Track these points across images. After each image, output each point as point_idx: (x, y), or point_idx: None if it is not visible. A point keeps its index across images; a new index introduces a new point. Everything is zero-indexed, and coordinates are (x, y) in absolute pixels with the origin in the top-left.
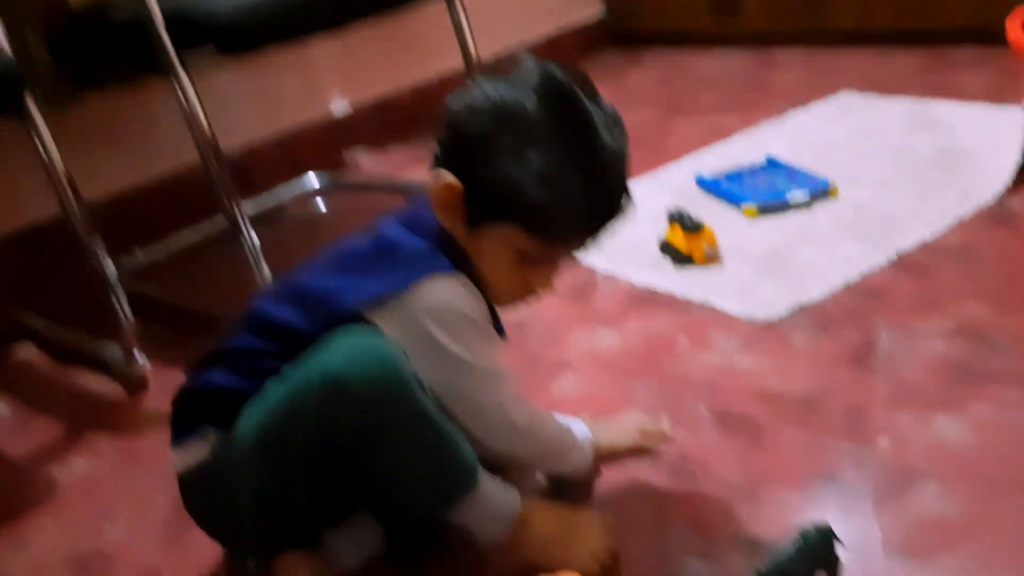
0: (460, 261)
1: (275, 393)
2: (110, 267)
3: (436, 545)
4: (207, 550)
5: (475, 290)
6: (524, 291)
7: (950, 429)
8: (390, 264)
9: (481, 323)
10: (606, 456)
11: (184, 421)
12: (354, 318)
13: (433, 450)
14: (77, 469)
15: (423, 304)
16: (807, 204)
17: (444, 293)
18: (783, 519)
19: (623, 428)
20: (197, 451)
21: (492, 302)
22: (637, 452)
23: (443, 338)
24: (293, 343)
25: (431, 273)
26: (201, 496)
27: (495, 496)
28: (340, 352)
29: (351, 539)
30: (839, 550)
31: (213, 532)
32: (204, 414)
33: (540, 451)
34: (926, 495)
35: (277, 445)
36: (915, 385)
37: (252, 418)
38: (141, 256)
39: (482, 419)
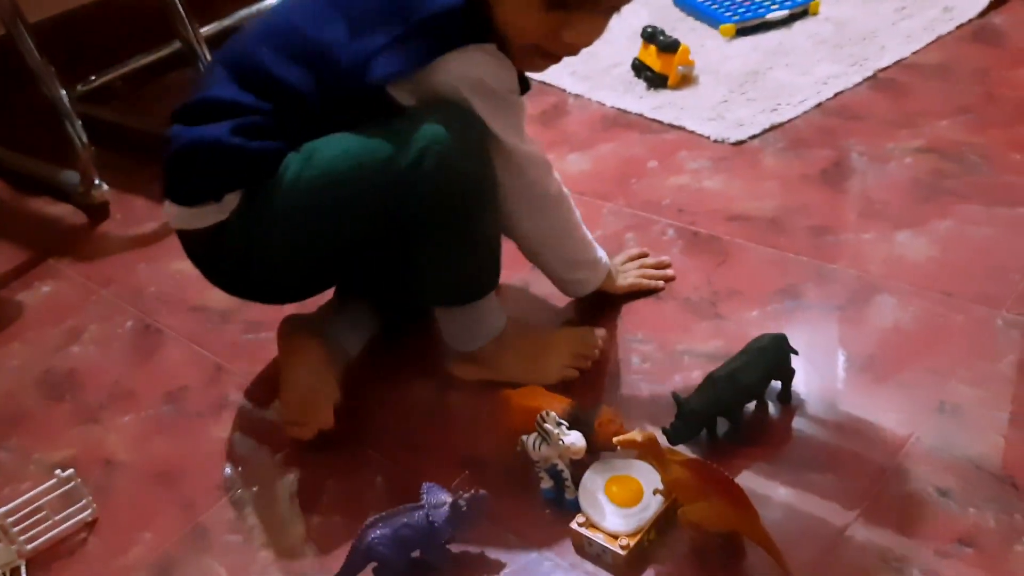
0: (485, 24)
1: (354, 146)
2: (62, 93)
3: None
4: (175, 366)
5: (504, 58)
6: (554, 45)
7: (911, 245)
8: (415, 27)
9: (513, 95)
10: (611, 289)
11: (190, 180)
12: (372, 91)
13: (484, 250)
14: (42, 294)
15: (455, 78)
16: (786, 22)
17: (476, 67)
18: (743, 333)
19: (624, 268)
20: (213, 213)
21: (518, 67)
22: (639, 289)
23: (480, 112)
24: (291, 106)
25: (460, 45)
26: (214, 251)
27: (491, 308)
28: (452, 135)
29: (352, 323)
30: (793, 360)
31: (223, 284)
32: (220, 175)
33: (565, 231)
34: (885, 309)
35: (340, 198)
36: (880, 203)
37: (316, 166)
38: (96, 81)
39: (517, 192)
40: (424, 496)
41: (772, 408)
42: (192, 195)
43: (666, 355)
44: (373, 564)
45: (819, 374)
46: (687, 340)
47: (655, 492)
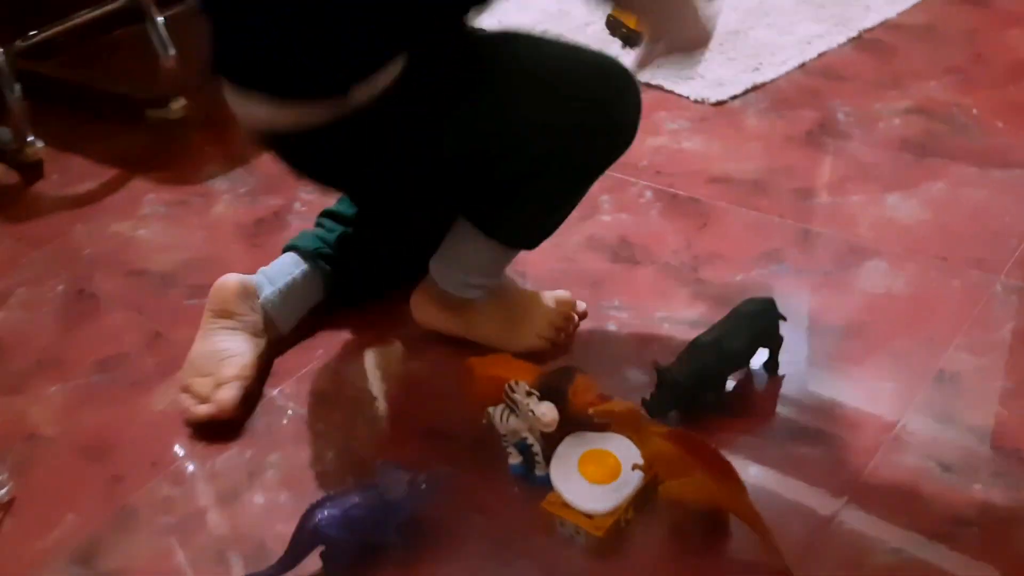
0: None
1: (569, 52)
2: None
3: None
4: (109, 333)
5: None
6: None
7: (902, 208)
8: None
9: None
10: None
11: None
12: None
13: (574, 205)
14: None
15: None
16: None
17: None
18: (726, 299)
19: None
20: (317, 111)
21: None
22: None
23: None
24: None
25: None
26: (321, 150)
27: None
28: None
29: (286, 296)
30: (782, 327)
31: (326, 181)
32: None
33: None
34: (875, 275)
35: (557, 95)
36: (868, 164)
37: (536, 59)
38: (37, 36)
39: None
40: (379, 476)
41: (758, 378)
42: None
43: (644, 322)
44: (321, 548)
45: (807, 342)
46: (666, 307)
47: (634, 467)
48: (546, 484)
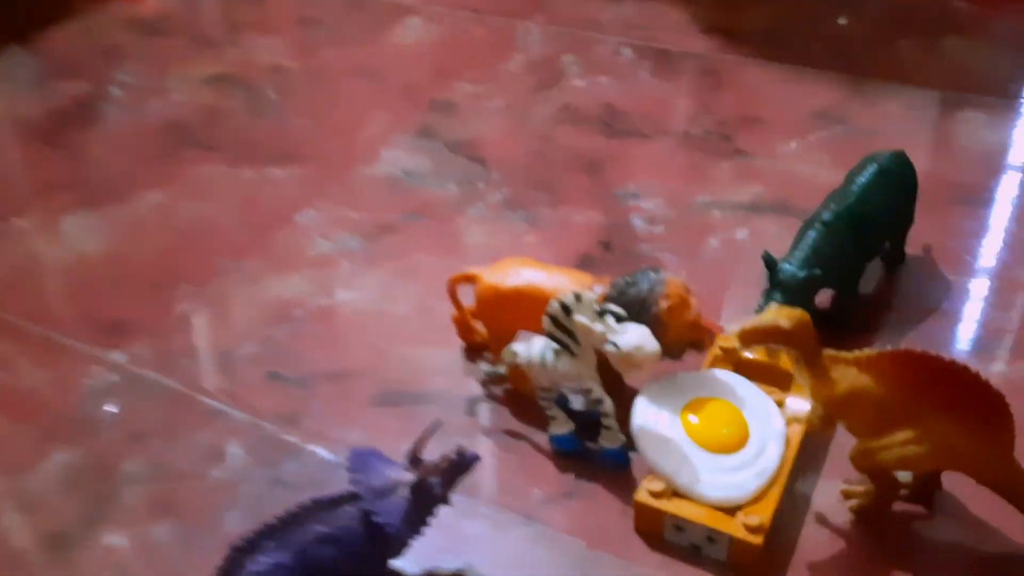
0: None
1: None
2: None
3: None
4: None
5: None
6: None
7: None
8: None
9: None
10: None
11: None
12: None
13: None
14: None
15: None
16: None
17: None
18: (789, 173)
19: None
20: None
21: None
22: None
23: None
24: None
25: None
26: None
27: None
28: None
29: None
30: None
31: None
32: None
33: None
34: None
35: None
36: None
37: None
38: None
39: None
40: (354, 475)
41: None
42: None
43: (683, 212)
44: None
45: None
46: (708, 188)
47: (789, 421)
48: (623, 462)
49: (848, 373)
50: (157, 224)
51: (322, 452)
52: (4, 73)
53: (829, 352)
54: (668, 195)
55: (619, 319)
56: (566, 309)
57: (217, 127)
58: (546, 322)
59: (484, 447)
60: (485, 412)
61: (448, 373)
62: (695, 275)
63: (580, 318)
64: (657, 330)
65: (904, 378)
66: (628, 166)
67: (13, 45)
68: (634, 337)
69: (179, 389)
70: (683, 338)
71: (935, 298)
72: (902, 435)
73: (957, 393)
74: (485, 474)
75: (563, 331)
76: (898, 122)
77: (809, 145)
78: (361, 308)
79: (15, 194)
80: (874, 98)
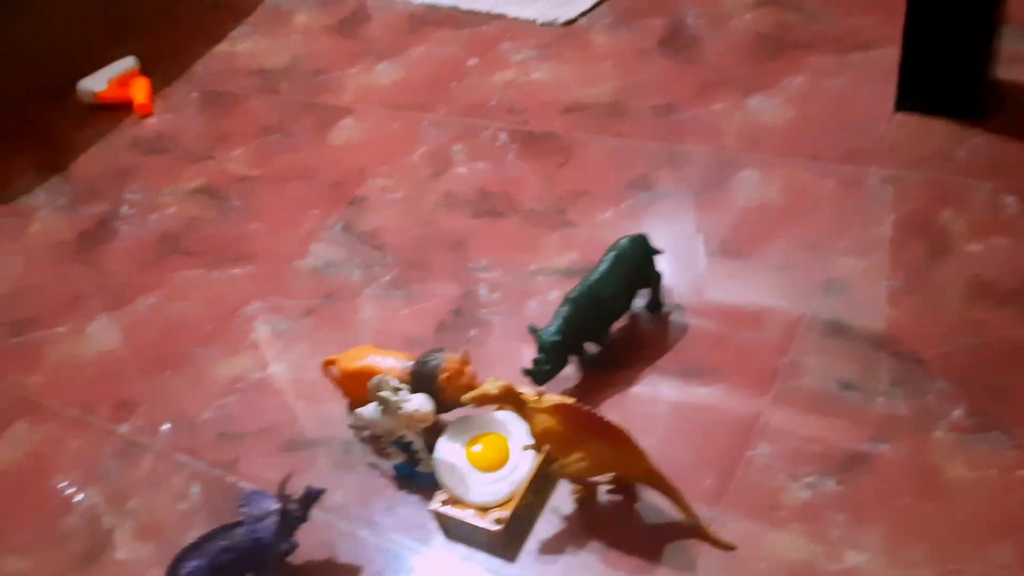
0: None
1: None
2: None
3: None
4: None
5: None
6: None
7: (765, 110)
8: None
9: None
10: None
11: None
12: None
13: None
14: None
15: None
16: None
17: None
18: (599, 239)
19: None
20: None
21: None
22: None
23: None
24: None
25: None
26: None
27: None
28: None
29: None
30: (658, 261)
31: None
32: None
33: None
34: (748, 186)
35: None
36: (727, 68)
37: None
38: None
39: None
40: (244, 508)
41: (643, 320)
42: None
43: (516, 279)
44: None
45: (689, 271)
46: (537, 258)
47: (524, 448)
48: (433, 482)
49: (542, 418)
50: (149, 323)
51: (249, 487)
52: (46, 201)
53: (530, 403)
54: (507, 265)
55: (413, 390)
56: (376, 387)
57: (197, 234)
58: (369, 395)
59: (351, 475)
60: (355, 450)
61: (333, 423)
62: (514, 332)
63: (385, 394)
64: (437, 394)
65: (572, 420)
66: (483, 242)
67: (54, 176)
68: (414, 403)
69: (159, 448)
70: (457, 398)
71: (672, 339)
72: (575, 455)
73: (598, 428)
74: (350, 491)
75: (379, 400)
76: (696, 183)
77: (620, 213)
78: (283, 377)
79: (56, 305)
80: (682, 162)
